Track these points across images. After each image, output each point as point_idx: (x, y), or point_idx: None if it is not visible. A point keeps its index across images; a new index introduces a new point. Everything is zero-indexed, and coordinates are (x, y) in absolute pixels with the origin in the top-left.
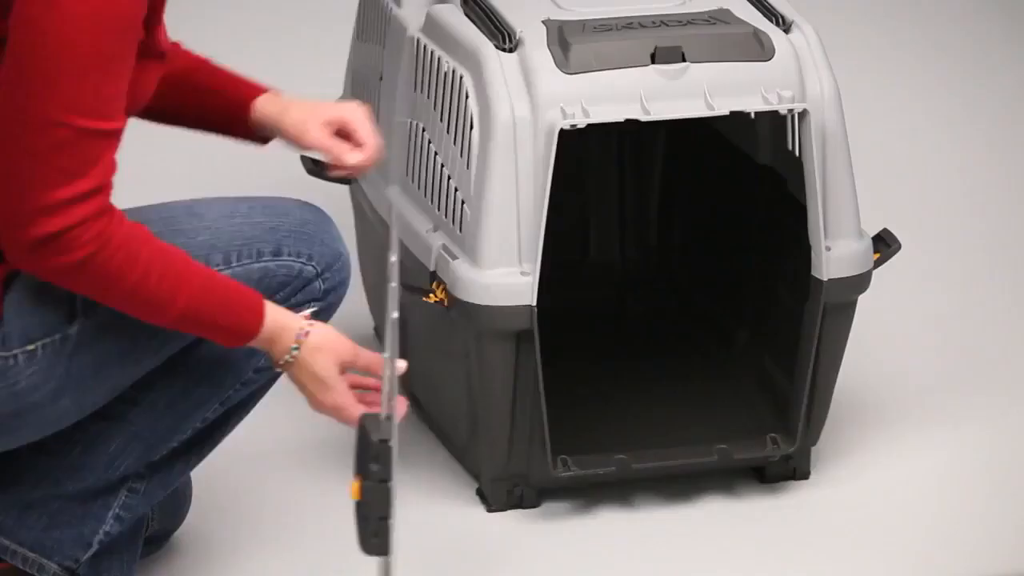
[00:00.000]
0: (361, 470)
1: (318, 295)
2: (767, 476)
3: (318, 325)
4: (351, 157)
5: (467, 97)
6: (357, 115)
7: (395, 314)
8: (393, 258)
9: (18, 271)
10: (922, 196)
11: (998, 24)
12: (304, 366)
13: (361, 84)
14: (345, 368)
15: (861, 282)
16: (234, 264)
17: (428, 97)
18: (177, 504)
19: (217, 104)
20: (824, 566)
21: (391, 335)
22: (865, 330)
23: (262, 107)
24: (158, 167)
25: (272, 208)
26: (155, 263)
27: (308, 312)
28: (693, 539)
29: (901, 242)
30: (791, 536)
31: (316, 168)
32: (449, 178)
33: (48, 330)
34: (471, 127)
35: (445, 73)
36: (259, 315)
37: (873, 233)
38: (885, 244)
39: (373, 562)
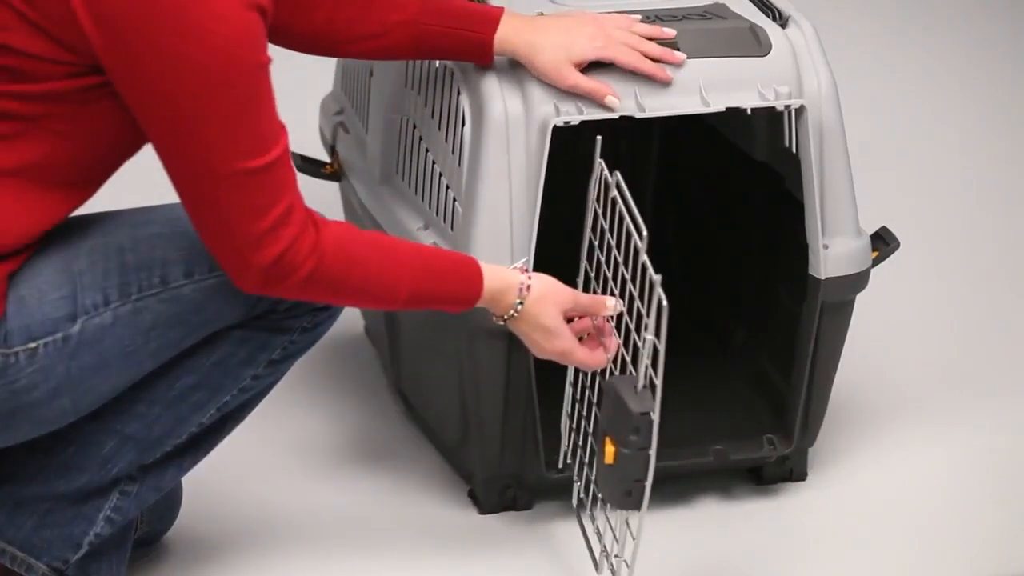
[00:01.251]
0: (617, 436)
1: (320, 305)
2: (763, 478)
3: (535, 276)
4: (611, 101)
5: (459, 93)
6: (614, 52)
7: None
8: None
9: (20, 268)
10: (921, 193)
11: (999, 19)
12: (529, 318)
13: (351, 79)
14: (567, 314)
15: (859, 281)
16: None
17: (419, 93)
18: (167, 507)
19: (454, 48)
20: (821, 569)
21: (655, 318)
22: (863, 330)
23: (504, 45)
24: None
25: None
26: (371, 257)
27: (522, 263)
28: (688, 541)
29: (900, 240)
30: (788, 539)
31: (306, 165)
32: (440, 175)
33: (50, 329)
34: (463, 124)
35: (436, 68)
36: (479, 280)
37: (871, 231)
38: (884, 242)
39: (367, 563)
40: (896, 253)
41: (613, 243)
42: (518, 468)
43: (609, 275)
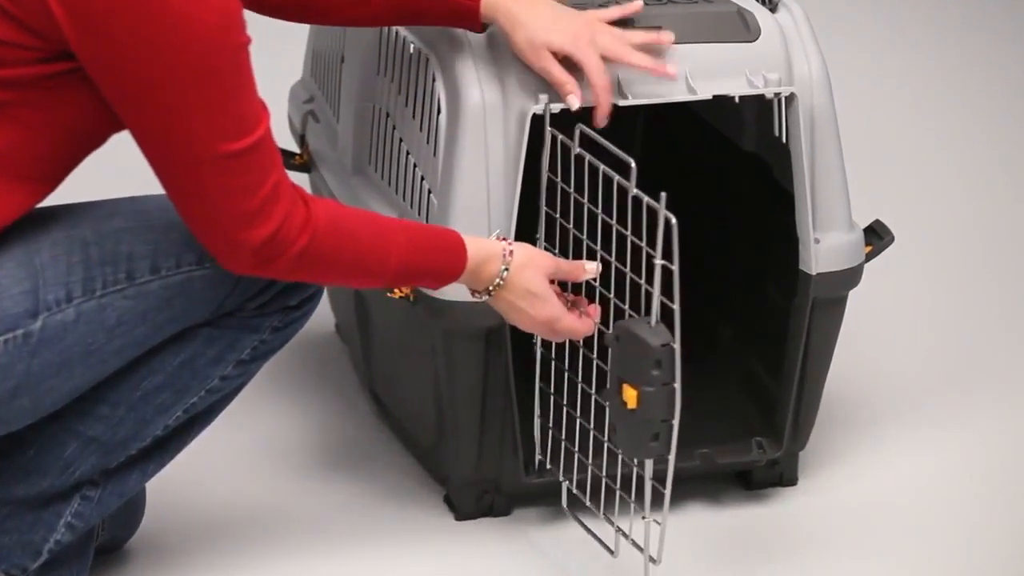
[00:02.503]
0: (637, 378)
1: (293, 303)
2: (752, 482)
3: (515, 244)
4: (572, 100)
5: (434, 80)
6: (588, 56)
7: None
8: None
9: None
10: (917, 185)
11: (997, 4)
12: (515, 286)
13: (322, 66)
14: (550, 279)
15: (852, 276)
16: (207, 264)
17: (392, 80)
18: (130, 513)
19: (440, 13)
20: None
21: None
22: (856, 327)
23: (488, 10)
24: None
25: None
26: (362, 231)
27: (497, 233)
28: (674, 549)
29: (894, 234)
30: (778, 546)
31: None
32: (415, 167)
33: (10, 325)
34: (438, 112)
35: (411, 54)
36: (463, 251)
37: (864, 225)
38: (877, 236)
39: (338, 571)
40: (890, 248)
41: (591, 205)
42: (496, 473)
43: (589, 239)
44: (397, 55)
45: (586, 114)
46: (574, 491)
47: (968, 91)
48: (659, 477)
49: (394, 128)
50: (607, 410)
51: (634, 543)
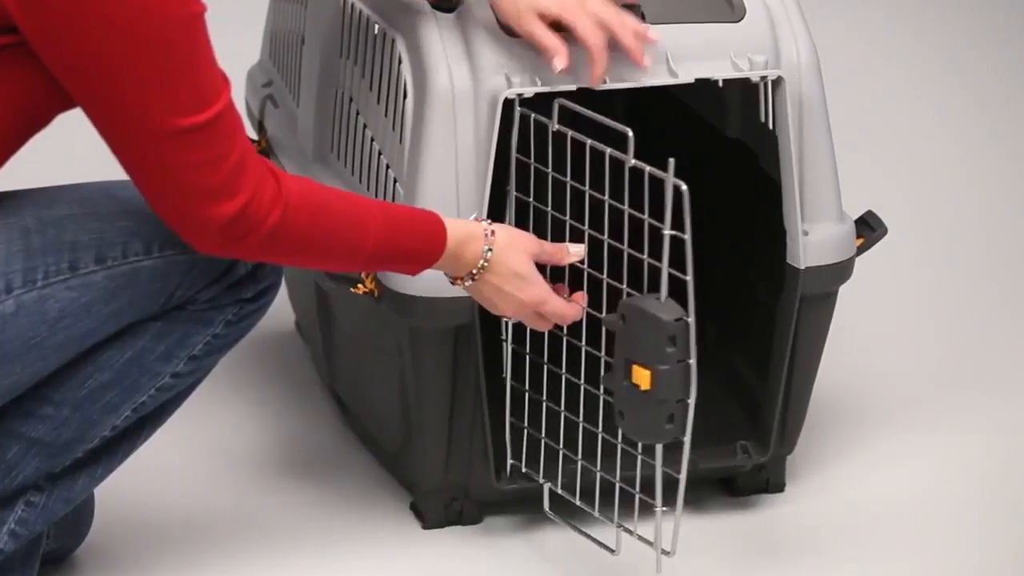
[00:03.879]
0: (650, 357)
1: (248, 295)
2: (737, 488)
3: (496, 224)
4: (557, 62)
5: (400, 63)
6: (578, 16)
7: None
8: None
9: None
10: (911, 175)
11: None
12: (500, 267)
13: (280, 48)
14: (534, 260)
15: (842, 270)
16: (155, 254)
17: (356, 63)
18: (77, 520)
19: None
20: None
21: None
22: (846, 325)
23: None
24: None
25: None
26: (336, 206)
27: (476, 215)
28: (653, 558)
29: (887, 226)
30: (763, 555)
31: None
32: (379, 154)
33: None
34: (404, 96)
35: (375, 36)
36: (443, 229)
37: (856, 216)
38: (869, 228)
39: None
40: (883, 240)
41: (575, 183)
42: (465, 479)
43: (575, 220)
44: (361, 36)
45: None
46: (559, 492)
47: (966, 77)
48: (646, 483)
49: (357, 114)
50: (615, 396)
51: (640, 538)
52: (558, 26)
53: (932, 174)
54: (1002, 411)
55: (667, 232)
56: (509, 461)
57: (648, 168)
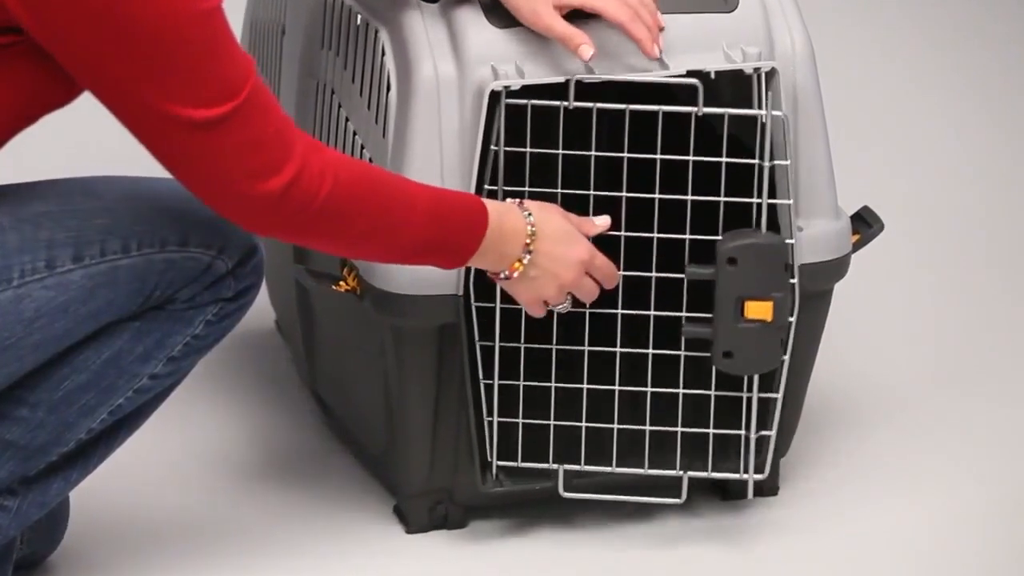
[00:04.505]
0: (770, 288)
1: (228, 295)
2: (729, 492)
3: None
4: (585, 51)
5: (383, 54)
6: (606, 2)
7: None
8: None
9: None
10: (909, 170)
11: None
12: (548, 228)
13: (260, 38)
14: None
15: (838, 268)
16: (134, 252)
17: (338, 54)
18: (51, 525)
19: None
20: None
21: None
22: (842, 324)
23: None
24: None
25: (181, 191)
26: (384, 178)
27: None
28: (644, 564)
29: (884, 222)
30: (757, 561)
31: None
32: (362, 148)
33: None
34: (387, 89)
35: (357, 26)
36: (480, 202)
37: (852, 211)
38: (866, 224)
39: None
40: (880, 236)
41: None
42: (450, 482)
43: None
44: (343, 27)
45: (536, 93)
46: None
47: (966, 69)
48: (619, 486)
49: (340, 106)
50: (719, 340)
51: (713, 480)
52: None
53: (931, 168)
54: (1004, 414)
55: (767, 164)
56: (495, 463)
57: (729, 111)
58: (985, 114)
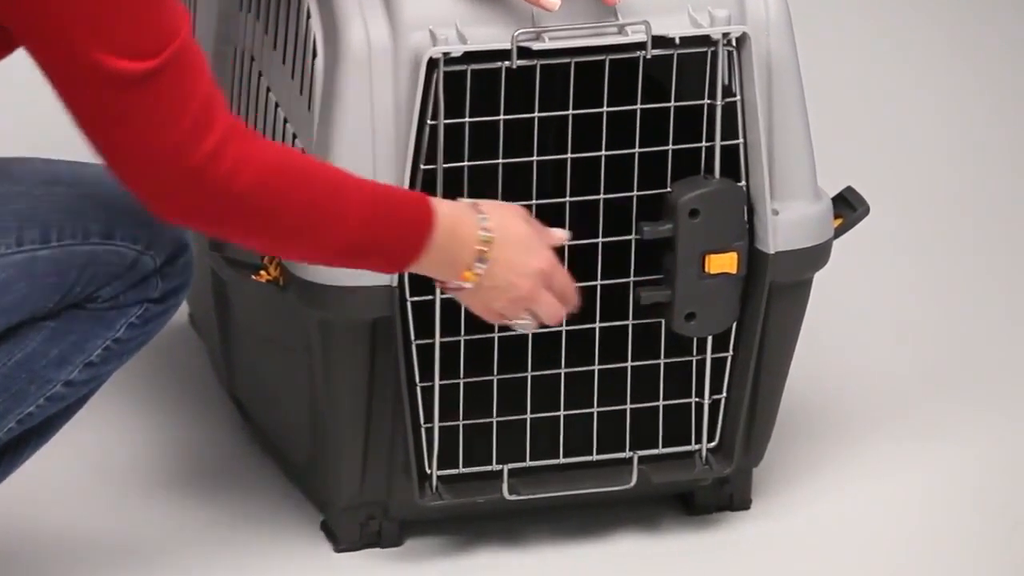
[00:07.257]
0: (731, 237)
1: (154, 295)
2: (696, 506)
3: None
4: (552, 2)
5: (308, 17)
6: None
7: None
8: None
9: None
10: (895, 148)
11: None
12: (505, 239)
13: None
14: None
15: (818, 255)
16: (53, 243)
17: (258, 18)
18: None
19: None
20: None
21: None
22: (822, 317)
23: None
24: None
25: (107, 179)
26: (312, 170)
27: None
28: None
29: (870, 204)
30: None
31: None
32: (285, 122)
33: None
34: (313, 56)
35: None
36: (426, 198)
37: (834, 193)
38: (849, 207)
39: None
40: (864, 221)
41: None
42: (384, 495)
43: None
44: None
45: (480, 61)
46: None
47: (956, 42)
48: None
49: (259, 75)
50: (680, 301)
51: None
52: None
53: (919, 146)
54: (997, 418)
55: (718, 103)
56: (435, 473)
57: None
58: (978, 91)
